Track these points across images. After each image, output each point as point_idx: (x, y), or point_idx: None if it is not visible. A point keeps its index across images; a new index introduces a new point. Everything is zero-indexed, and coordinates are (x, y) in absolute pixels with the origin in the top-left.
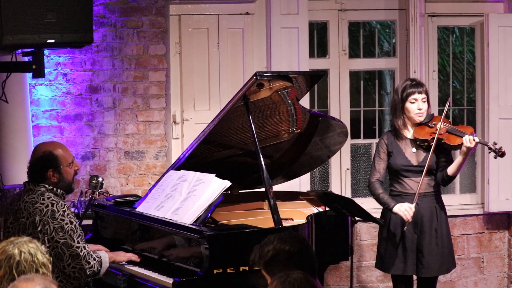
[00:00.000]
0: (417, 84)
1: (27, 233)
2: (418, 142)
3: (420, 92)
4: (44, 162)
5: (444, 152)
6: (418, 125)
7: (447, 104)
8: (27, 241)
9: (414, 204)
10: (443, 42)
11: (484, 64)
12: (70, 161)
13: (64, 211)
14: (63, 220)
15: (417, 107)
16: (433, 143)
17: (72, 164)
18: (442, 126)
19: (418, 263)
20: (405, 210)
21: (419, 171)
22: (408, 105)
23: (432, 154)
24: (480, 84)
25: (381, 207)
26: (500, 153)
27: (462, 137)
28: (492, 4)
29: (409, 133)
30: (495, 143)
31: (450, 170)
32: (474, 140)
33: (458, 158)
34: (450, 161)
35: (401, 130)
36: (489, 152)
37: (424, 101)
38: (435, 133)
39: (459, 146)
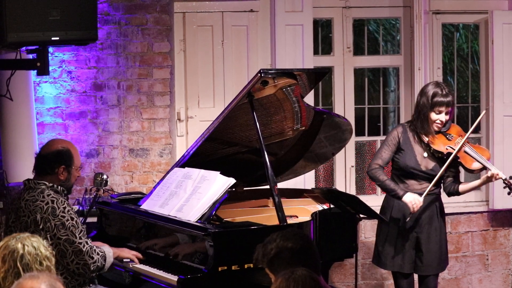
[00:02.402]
0: (446, 95)
1: (29, 231)
2: (431, 150)
3: (448, 105)
4: (60, 157)
5: (454, 165)
6: (436, 132)
7: (474, 124)
8: (29, 236)
9: (422, 197)
10: (447, 39)
11: (488, 61)
12: (79, 166)
13: (64, 208)
14: (64, 216)
15: (439, 118)
16: (448, 160)
17: (79, 170)
18: (462, 145)
19: (418, 261)
20: (414, 201)
21: (425, 177)
22: (432, 114)
23: (444, 169)
24: (485, 81)
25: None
26: None
27: (480, 162)
28: (496, 1)
29: (425, 137)
30: (511, 177)
31: (463, 189)
32: (498, 176)
33: (475, 182)
34: (458, 172)
35: (419, 133)
36: (504, 187)
37: (448, 113)
38: (452, 148)
39: (473, 171)
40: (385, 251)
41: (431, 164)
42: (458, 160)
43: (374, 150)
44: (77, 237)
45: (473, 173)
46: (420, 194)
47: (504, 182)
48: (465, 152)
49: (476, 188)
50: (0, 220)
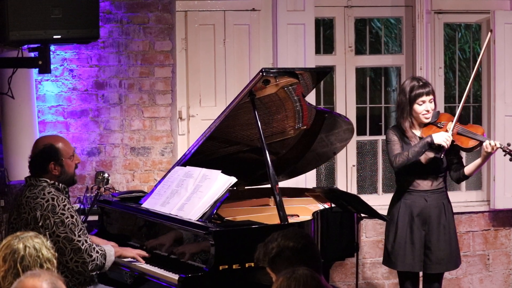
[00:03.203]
0: (424, 85)
1: (29, 228)
2: None
3: (428, 94)
4: (45, 155)
5: (454, 151)
6: (425, 124)
7: (460, 106)
8: (33, 236)
9: (450, 131)
10: (449, 39)
11: (490, 61)
12: (71, 153)
13: (64, 205)
14: (63, 214)
15: (424, 108)
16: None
17: (73, 157)
18: (453, 128)
19: (427, 259)
20: (445, 140)
21: (427, 170)
22: (416, 106)
23: (445, 157)
24: (486, 81)
25: (387, 204)
26: None
27: (475, 139)
28: (498, 1)
29: (417, 131)
30: (508, 144)
31: (468, 170)
32: (495, 146)
33: (477, 160)
34: (460, 158)
35: (408, 132)
36: (504, 155)
37: (431, 102)
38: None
39: (472, 149)
40: (394, 251)
41: (430, 155)
42: (454, 143)
43: (375, 150)
44: (76, 235)
45: (472, 151)
46: (426, 191)
47: (503, 150)
48: (458, 134)
49: (481, 165)
50: (1, 218)
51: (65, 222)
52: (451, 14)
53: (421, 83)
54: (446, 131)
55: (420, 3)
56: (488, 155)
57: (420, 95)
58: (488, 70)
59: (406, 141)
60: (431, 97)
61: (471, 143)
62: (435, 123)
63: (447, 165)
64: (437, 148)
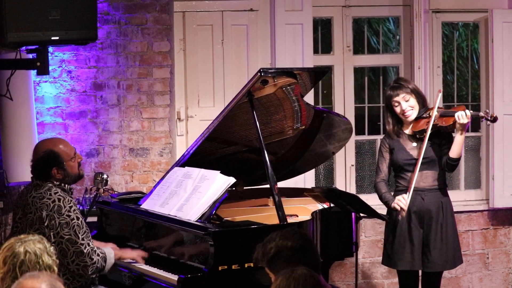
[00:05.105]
0: (394, 87)
1: (34, 228)
2: (417, 136)
3: (397, 95)
4: (47, 162)
5: (445, 139)
6: (415, 119)
7: (439, 94)
8: (36, 241)
9: (408, 194)
10: (447, 38)
11: (488, 60)
12: (72, 155)
13: (70, 207)
14: (69, 215)
15: (400, 108)
16: (428, 130)
17: (75, 157)
18: (436, 113)
19: (424, 258)
20: (397, 200)
21: (422, 166)
22: (394, 108)
23: (425, 141)
24: (485, 80)
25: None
26: (492, 118)
27: (452, 115)
28: (496, 0)
29: (407, 129)
30: (486, 112)
31: (452, 152)
32: (466, 115)
33: (456, 137)
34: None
35: (392, 136)
36: (482, 121)
37: (407, 100)
38: (430, 121)
39: (455, 125)
40: (394, 251)
41: (428, 152)
42: (439, 125)
43: (374, 149)
44: (79, 238)
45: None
46: (423, 189)
47: (481, 117)
48: (441, 116)
49: (461, 141)
50: (0, 220)
51: (70, 223)
52: (449, 13)
53: (392, 84)
54: (430, 116)
55: (418, 2)
56: (462, 127)
57: (390, 97)
58: (487, 69)
59: (398, 142)
60: (403, 95)
61: (453, 120)
62: (422, 116)
63: (441, 156)
64: (420, 138)
